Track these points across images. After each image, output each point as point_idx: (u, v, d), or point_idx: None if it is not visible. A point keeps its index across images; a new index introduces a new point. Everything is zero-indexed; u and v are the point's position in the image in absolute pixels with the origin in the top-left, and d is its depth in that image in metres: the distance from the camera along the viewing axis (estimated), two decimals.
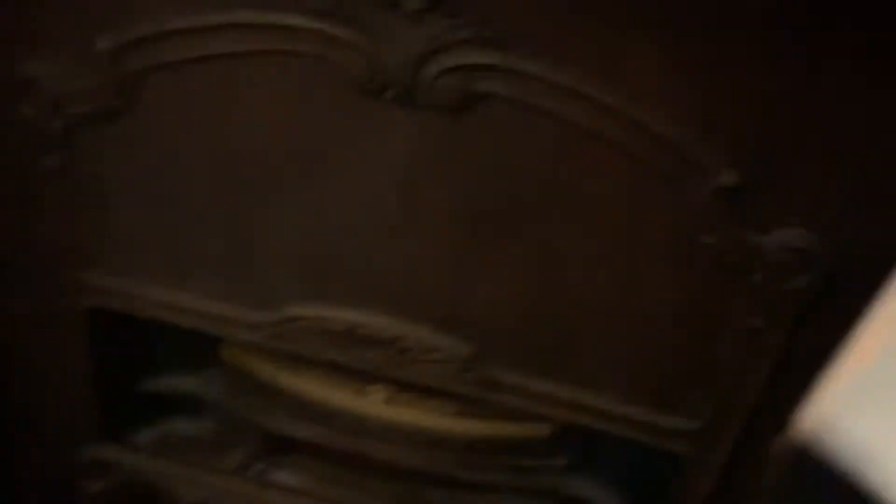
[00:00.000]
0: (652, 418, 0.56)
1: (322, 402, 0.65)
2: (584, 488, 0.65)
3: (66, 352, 0.64)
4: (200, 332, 0.63)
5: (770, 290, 0.48)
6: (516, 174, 0.49)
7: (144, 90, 0.49)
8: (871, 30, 0.40)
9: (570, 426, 0.62)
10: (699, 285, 0.50)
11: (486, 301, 0.55)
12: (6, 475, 0.75)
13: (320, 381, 0.64)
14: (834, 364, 0.52)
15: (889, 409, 0.60)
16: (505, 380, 0.57)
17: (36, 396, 0.69)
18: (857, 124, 0.43)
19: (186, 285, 0.59)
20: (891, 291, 0.48)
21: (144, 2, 0.47)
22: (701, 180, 0.45)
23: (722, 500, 0.58)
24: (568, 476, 0.65)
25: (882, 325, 0.51)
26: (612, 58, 0.44)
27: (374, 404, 0.64)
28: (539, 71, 0.44)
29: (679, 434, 0.56)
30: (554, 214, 0.50)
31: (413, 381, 0.58)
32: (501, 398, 0.58)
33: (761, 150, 0.45)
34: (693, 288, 0.51)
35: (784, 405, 0.55)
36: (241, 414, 0.68)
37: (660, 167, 0.46)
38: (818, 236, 0.46)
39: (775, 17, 0.41)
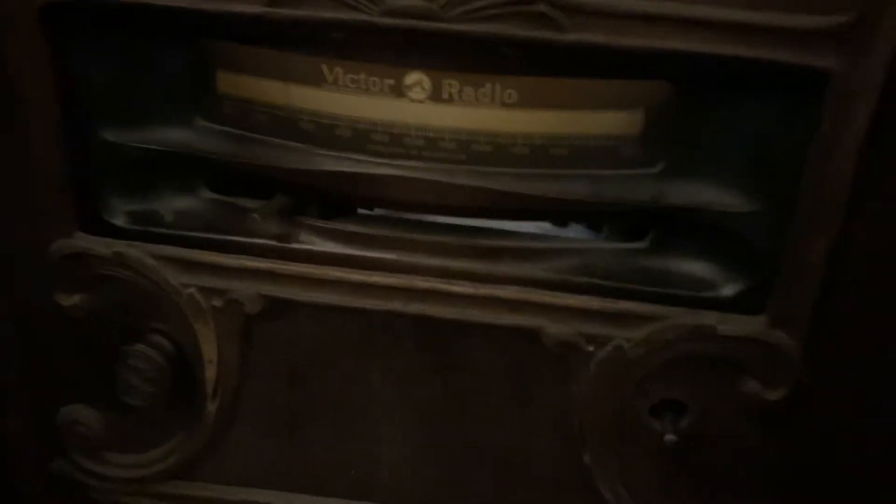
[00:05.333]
0: (788, 21, 0.42)
1: (350, 117, 0.51)
2: (692, 192, 0.50)
3: (23, 75, 0.51)
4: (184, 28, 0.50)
5: None
6: None
7: None
8: None
9: (668, 114, 0.49)
10: None
11: None
12: None
13: (344, 85, 0.51)
14: None
15: None
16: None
17: None
18: None
19: None
20: None
21: None
22: None
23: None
24: (669, 182, 0.50)
25: None
26: None
27: (416, 105, 0.50)
28: None
29: (823, 35, 0.42)
30: None
31: (460, 33, 0.45)
32: (577, 34, 0.44)
33: None
34: None
35: None
36: (248, 161, 0.53)
37: None
38: None
39: None
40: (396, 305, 0.54)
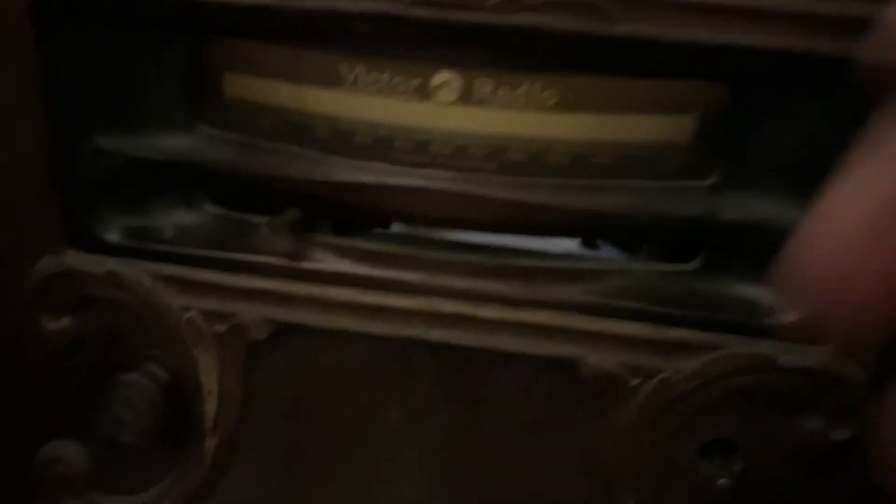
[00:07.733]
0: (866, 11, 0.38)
1: (371, 121, 0.47)
2: (749, 207, 0.46)
3: (7, 76, 0.46)
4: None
5: None
6: None
7: None
8: None
9: (722, 119, 0.44)
10: None
11: None
12: None
13: (364, 86, 0.46)
14: None
15: None
16: None
17: None
18: None
19: None
20: None
21: None
22: None
23: None
24: (724, 195, 0.46)
25: None
26: None
27: (444, 109, 0.45)
28: None
29: None
30: None
31: (499, 26, 0.41)
32: (629, 26, 0.40)
33: None
34: None
35: None
36: (256, 171, 0.48)
37: None
38: None
39: None
40: (418, 332, 0.49)
